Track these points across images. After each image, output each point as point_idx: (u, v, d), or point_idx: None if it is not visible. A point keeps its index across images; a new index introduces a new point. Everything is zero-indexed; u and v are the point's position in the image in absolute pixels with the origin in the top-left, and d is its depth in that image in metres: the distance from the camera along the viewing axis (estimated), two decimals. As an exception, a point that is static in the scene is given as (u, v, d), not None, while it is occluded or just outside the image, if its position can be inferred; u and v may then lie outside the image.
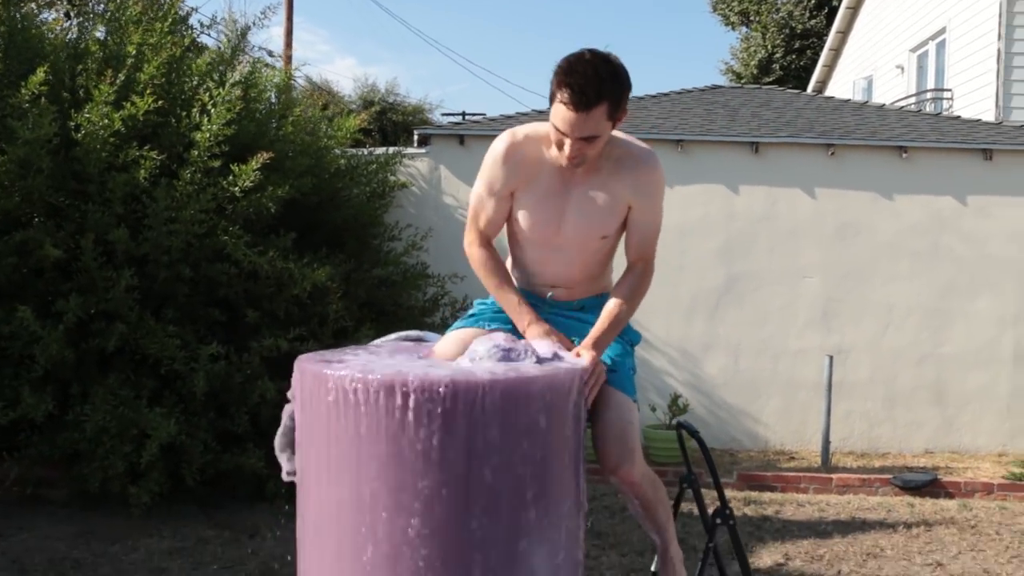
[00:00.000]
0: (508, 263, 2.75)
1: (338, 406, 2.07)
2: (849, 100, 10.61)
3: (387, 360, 2.28)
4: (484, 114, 16.26)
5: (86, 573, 4.49)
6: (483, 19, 65.09)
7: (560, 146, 2.32)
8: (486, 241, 2.65)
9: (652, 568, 2.88)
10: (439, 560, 2.00)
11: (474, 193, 2.60)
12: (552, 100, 2.28)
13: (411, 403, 1.98)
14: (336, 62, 54.72)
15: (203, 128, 5.48)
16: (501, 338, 2.25)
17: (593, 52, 2.29)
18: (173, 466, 5.29)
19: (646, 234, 2.63)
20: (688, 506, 3.84)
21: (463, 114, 25.13)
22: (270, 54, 15.67)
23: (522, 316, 2.54)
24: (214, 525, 5.27)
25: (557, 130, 2.28)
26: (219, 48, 6.83)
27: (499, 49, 62.91)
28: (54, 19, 6.28)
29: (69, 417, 5.16)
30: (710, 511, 2.99)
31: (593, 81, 2.21)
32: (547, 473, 2.09)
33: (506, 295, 2.57)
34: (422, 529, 2.00)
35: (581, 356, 2.31)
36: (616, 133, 2.49)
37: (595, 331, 2.45)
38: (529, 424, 2.05)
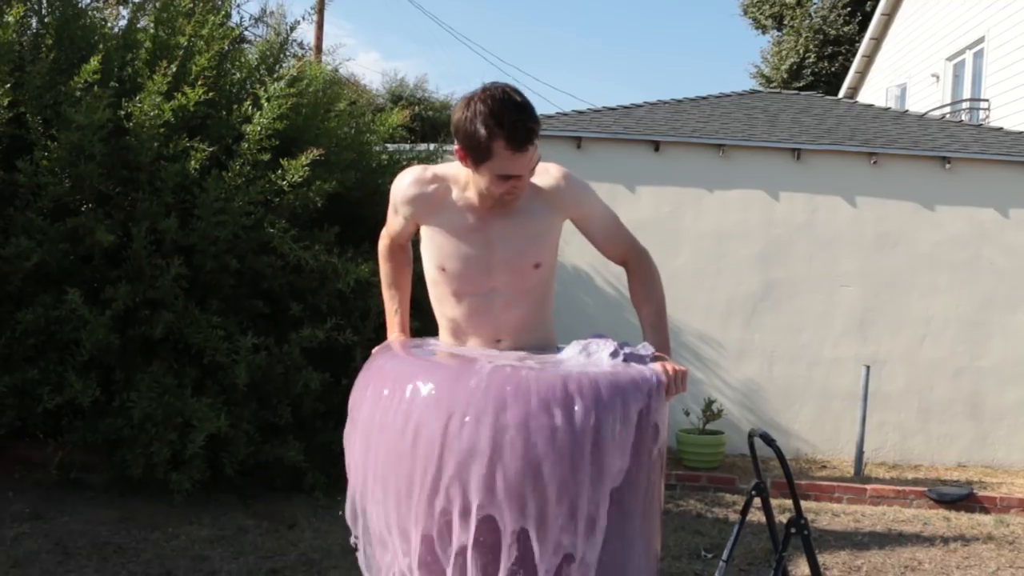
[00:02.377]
0: (444, 331, 2.57)
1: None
2: (889, 108, 10.54)
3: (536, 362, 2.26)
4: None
5: (129, 558, 4.52)
6: (509, 15, 65.07)
7: (498, 191, 2.18)
8: (395, 243, 2.68)
9: (716, 575, 2.87)
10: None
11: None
12: (479, 152, 2.10)
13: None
14: (360, 56, 54.75)
15: (254, 121, 5.51)
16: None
17: (500, 87, 2.13)
18: (214, 456, 5.32)
19: (608, 228, 2.49)
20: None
21: (490, 111, 25.03)
22: (300, 46, 15.71)
23: (392, 326, 2.68)
24: (253, 515, 5.30)
25: (502, 178, 2.13)
26: (264, 41, 6.86)
27: (526, 47, 62.86)
28: (105, 4, 6.31)
29: (116, 403, 5.20)
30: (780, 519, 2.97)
31: (523, 116, 2.09)
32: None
33: (389, 294, 2.72)
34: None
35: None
36: None
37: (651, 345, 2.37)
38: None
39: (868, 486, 6.71)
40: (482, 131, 2.04)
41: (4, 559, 4.39)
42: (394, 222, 2.56)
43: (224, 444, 5.31)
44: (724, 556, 2.93)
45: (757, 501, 3.10)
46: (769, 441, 2.90)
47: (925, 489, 6.67)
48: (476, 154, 2.10)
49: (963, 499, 6.57)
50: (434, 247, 2.41)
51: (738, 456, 7.70)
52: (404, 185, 2.39)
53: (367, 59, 55.83)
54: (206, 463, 5.29)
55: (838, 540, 5.60)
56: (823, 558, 5.20)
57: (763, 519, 3.06)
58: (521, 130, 2.06)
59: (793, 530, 2.81)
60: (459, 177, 2.31)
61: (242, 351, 5.31)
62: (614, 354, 2.14)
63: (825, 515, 6.18)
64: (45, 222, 5.20)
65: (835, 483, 6.77)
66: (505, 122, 2.04)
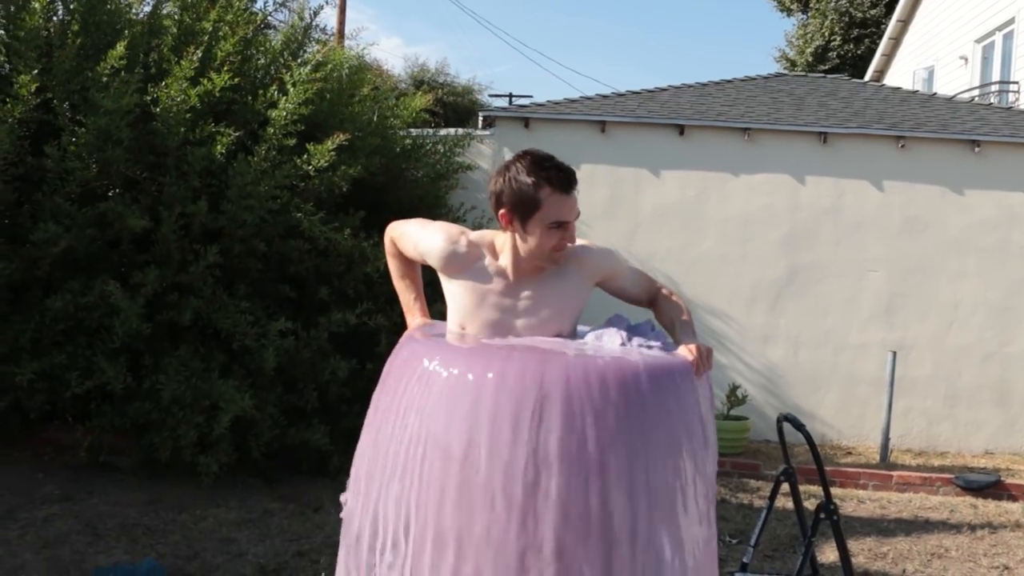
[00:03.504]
0: None
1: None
2: (917, 92, 10.43)
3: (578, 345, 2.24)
4: (532, 96, 16.16)
5: (158, 540, 4.57)
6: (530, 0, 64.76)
7: (550, 244, 2.22)
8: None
9: (744, 559, 2.86)
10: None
11: (418, 227, 2.52)
12: (528, 204, 2.16)
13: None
14: (382, 41, 54.79)
15: (280, 106, 5.51)
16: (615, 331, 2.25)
17: (528, 150, 2.27)
18: (240, 438, 5.36)
19: (636, 277, 2.53)
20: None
21: (510, 96, 25.02)
22: (323, 31, 15.72)
23: (414, 312, 2.65)
24: (278, 498, 5.34)
25: (553, 228, 2.18)
26: (288, 27, 6.86)
27: (547, 30, 62.61)
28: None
29: (145, 386, 5.24)
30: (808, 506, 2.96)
31: (560, 163, 2.20)
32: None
33: (403, 284, 2.67)
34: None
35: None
36: None
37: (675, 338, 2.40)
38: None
39: (894, 473, 6.67)
40: (528, 180, 2.12)
41: (35, 540, 4.45)
42: (411, 249, 2.55)
43: (250, 427, 5.34)
44: (752, 541, 2.93)
45: (785, 487, 3.09)
46: (799, 426, 2.88)
47: (952, 476, 6.62)
48: (525, 208, 2.14)
49: (990, 486, 6.52)
50: (458, 305, 2.42)
51: (762, 442, 7.68)
52: (439, 240, 2.40)
53: (389, 44, 55.96)
54: (232, 446, 5.33)
55: (864, 526, 5.58)
56: (848, 544, 5.15)
57: (787, 504, 3.04)
58: (564, 172, 2.15)
59: (823, 515, 2.79)
60: (493, 244, 2.34)
61: (270, 335, 5.33)
62: (625, 340, 2.15)
63: (851, 501, 6.15)
64: (73, 207, 5.24)
65: (861, 469, 6.73)
66: (549, 167, 2.13)
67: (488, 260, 2.34)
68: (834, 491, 6.34)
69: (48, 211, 5.22)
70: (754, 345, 7.92)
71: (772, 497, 2.97)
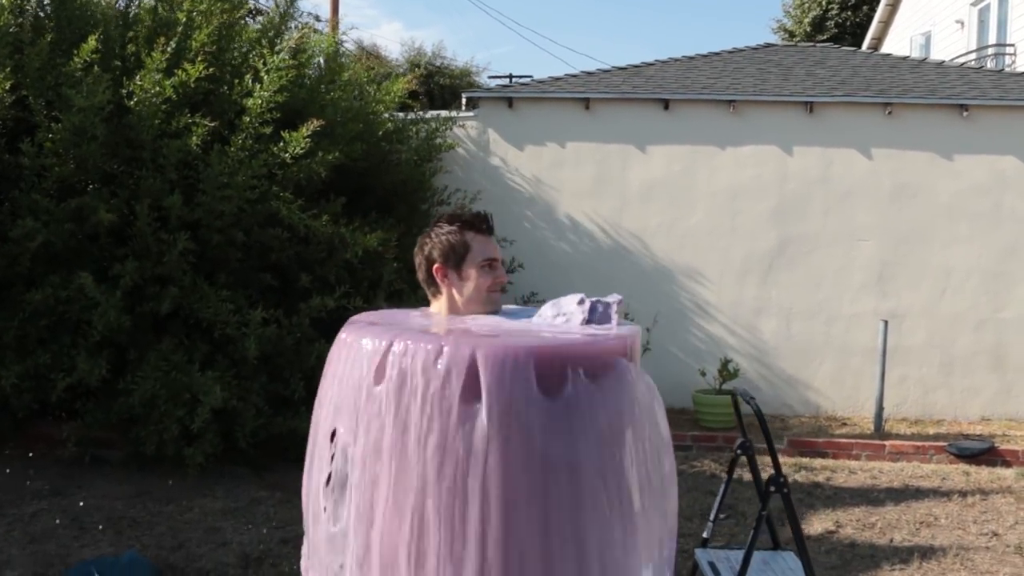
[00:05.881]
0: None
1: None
2: (907, 57, 10.31)
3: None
4: (532, 76, 16.08)
5: (143, 531, 4.59)
6: (531, -22, 64.29)
7: (487, 283, 2.25)
8: None
9: (704, 535, 2.86)
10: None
11: None
12: (458, 250, 2.23)
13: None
14: (383, 26, 54.50)
15: (255, 95, 5.50)
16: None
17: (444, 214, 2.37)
18: (226, 429, 5.38)
19: None
20: (739, 471, 3.81)
21: (510, 76, 24.92)
22: (317, 19, 15.63)
23: None
24: (266, 486, 5.35)
25: (485, 268, 2.23)
26: (270, 14, 6.83)
27: (545, 9, 62.19)
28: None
29: (122, 384, 5.26)
30: (764, 478, 2.95)
31: (477, 211, 2.31)
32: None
33: None
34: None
35: None
36: None
37: None
38: None
39: (887, 442, 6.65)
40: (452, 228, 2.22)
41: (21, 536, 4.48)
42: None
43: (234, 417, 5.36)
44: (711, 517, 2.92)
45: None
46: (748, 399, 2.87)
47: (945, 444, 6.60)
48: (456, 254, 2.22)
49: (984, 453, 6.49)
50: None
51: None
52: None
53: (390, 29, 55.58)
54: (219, 437, 5.35)
55: (853, 497, 5.56)
56: (837, 515, 5.18)
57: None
58: (481, 215, 2.27)
59: (772, 488, 2.78)
60: (429, 314, 2.35)
61: (251, 324, 5.34)
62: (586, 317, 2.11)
63: (842, 472, 6.14)
64: (50, 203, 5.24)
65: (853, 440, 6.71)
66: (464, 216, 2.25)
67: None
68: (826, 462, 6.39)
69: (26, 207, 5.23)
70: (746, 318, 7.89)
71: (730, 472, 2.96)
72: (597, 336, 1.94)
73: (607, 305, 2.12)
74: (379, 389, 1.78)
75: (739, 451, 2.99)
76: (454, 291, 2.25)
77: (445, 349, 1.73)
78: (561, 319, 2.13)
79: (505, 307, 2.29)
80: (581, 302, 2.14)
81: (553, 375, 1.71)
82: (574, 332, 1.99)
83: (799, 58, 9.42)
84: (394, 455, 1.75)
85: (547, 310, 2.22)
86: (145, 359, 5.32)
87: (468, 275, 2.23)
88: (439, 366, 1.72)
